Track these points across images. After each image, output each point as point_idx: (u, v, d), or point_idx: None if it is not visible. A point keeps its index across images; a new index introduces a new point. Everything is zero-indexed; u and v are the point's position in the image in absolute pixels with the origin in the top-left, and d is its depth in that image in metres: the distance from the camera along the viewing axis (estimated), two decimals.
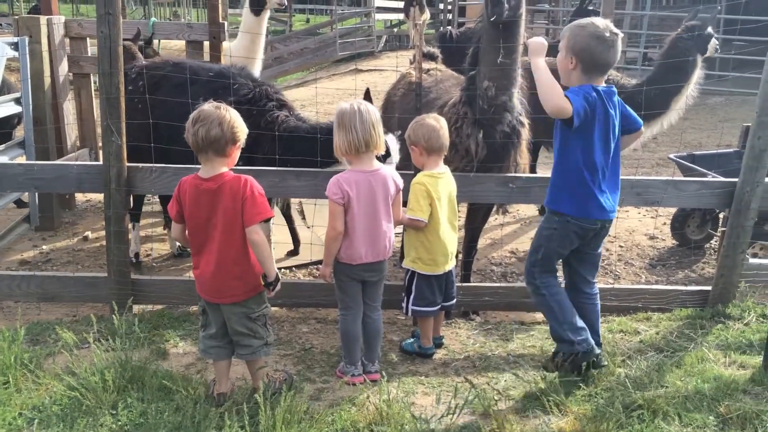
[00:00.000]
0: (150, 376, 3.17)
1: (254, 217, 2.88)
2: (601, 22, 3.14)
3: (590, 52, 3.08)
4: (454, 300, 3.79)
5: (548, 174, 3.38)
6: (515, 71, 3.83)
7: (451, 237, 3.62)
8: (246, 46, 6.12)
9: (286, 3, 6.80)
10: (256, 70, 6.24)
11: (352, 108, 3.19)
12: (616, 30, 3.14)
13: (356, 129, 3.15)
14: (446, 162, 3.71)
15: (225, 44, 6.44)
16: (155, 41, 6.29)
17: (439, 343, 3.80)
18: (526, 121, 4.01)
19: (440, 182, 3.54)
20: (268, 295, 3.07)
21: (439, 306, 3.68)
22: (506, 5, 3.52)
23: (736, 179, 3.99)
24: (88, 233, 5.75)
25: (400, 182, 3.41)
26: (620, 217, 5.91)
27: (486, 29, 3.80)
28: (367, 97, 3.66)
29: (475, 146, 3.90)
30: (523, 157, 4.09)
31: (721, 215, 5.42)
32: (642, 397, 3.02)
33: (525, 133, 4.01)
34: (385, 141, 3.37)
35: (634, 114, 3.33)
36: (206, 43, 6.15)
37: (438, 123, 3.56)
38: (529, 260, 3.37)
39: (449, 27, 12.45)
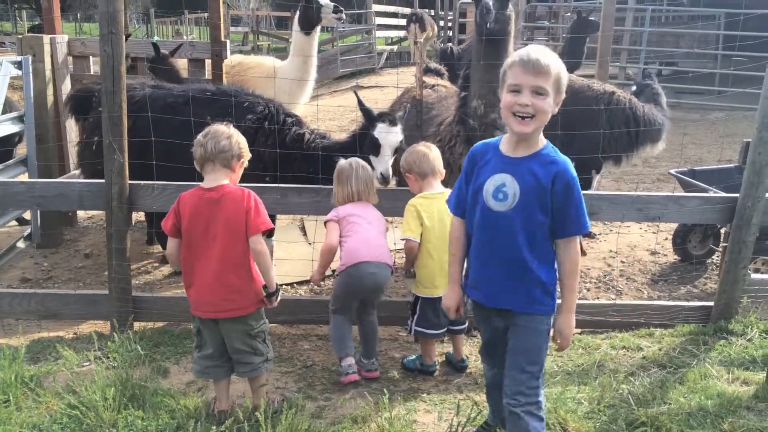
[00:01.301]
0: (151, 394, 3.16)
1: (258, 226, 2.94)
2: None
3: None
4: (464, 324, 3.72)
5: None
6: None
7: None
8: (298, 67, 6.12)
9: (344, 17, 6.69)
10: (307, 93, 6.26)
11: (350, 166, 3.64)
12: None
13: (351, 184, 3.60)
14: (445, 183, 3.72)
15: (271, 62, 6.41)
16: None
17: (461, 366, 3.72)
18: None
19: (434, 203, 3.54)
20: (269, 305, 3.07)
21: (445, 329, 3.63)
22: (494, 18, 3.56)
23: (737, 194, 3.99)
24: (90, 250, 5.75)
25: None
26: (621, 233, 5.92)
27: (475, 46, 3.84)
28: (358, 100, 4.04)
29: None
30: None
31: (722, 230, 5.41)
32: (645, 414, 3.00)
33: None
34: (374, 135, 3.84)
35: None
36: (208, 61, 6.19)
37: (428, 149, 3.68)
38: (531, 385, 2.49)
39: (449, 43, 12.53)
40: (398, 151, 3.92)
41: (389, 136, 3.87)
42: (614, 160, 5.55)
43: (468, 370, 3.70)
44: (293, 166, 4.28)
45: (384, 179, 3.87)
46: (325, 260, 3.55)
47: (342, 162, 3.68)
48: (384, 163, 3.90)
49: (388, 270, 3.54)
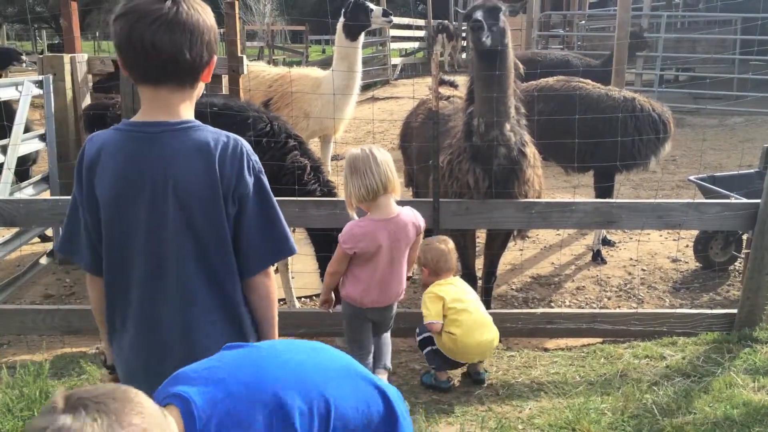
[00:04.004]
0: None
1: None
2: None
3: None
4: None
5: (567, 198, 3.38)
6: (506, 103, 3.84)
7: (480, 329, 3.54)
8: (342, 77, 5.85)
9: (393, 20, 6.39)
10: (352, 105, 6.12)
11: (364, 152, 3.09)
12: None
13: (372, 171, 3.03)
14: (447, 195, 3.85)
15: (316, 73, 6.30)
16: None
17: (478, 379, 3.69)
18: (530, 149, 4.01)
19: (449, 287, 3.58)
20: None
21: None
22: (486, 32, 3.55)
23: (758, 200, 3.95)
24: None
25: (422, 223, 3.32)
26: (642, 240, 5.87)
27: (474, 62, 3.84)
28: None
29: (474, 180, 3.92)
30: (532, 183, 4.08)
31: (744, 237, 5.35)
32: (670, 424, 2.97)
33: (530, 161, 4.01)
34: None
35: None
36: (224, 77, 6.24)
37: (446, 246, 3.63)
38: None
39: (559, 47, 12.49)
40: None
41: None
42: (644, 165, 5.55)
43: (489, 381, 3.68)
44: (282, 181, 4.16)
45: (385, 12, 3.86)
46: (330, 282, 3.28)
47: (353, 150, 3.14)
48: (377, 14, 3.86)
49: (395, 305, 3.41)
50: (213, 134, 1.78)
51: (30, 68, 10.91)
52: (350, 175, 3.09)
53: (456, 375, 3.72)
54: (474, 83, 3.91)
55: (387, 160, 3.09)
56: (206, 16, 1.77)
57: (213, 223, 1.78)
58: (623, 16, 6.51)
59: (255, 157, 1.84)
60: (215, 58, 1.81)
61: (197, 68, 1.78)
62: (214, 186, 1.74)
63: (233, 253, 1.82)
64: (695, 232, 5.58)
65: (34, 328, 4.12)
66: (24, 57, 8.14)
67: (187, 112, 1.80)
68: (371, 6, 5.98)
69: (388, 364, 3.51)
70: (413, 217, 3.26)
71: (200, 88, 1.86)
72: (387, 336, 3.53)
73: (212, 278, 1.82)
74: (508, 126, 3.86)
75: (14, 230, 5.33)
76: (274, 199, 1.87)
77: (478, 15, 3.55)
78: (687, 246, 5.87)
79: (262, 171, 1.84)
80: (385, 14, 6.05)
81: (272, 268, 1.96)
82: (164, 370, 1.56)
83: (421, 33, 21.25)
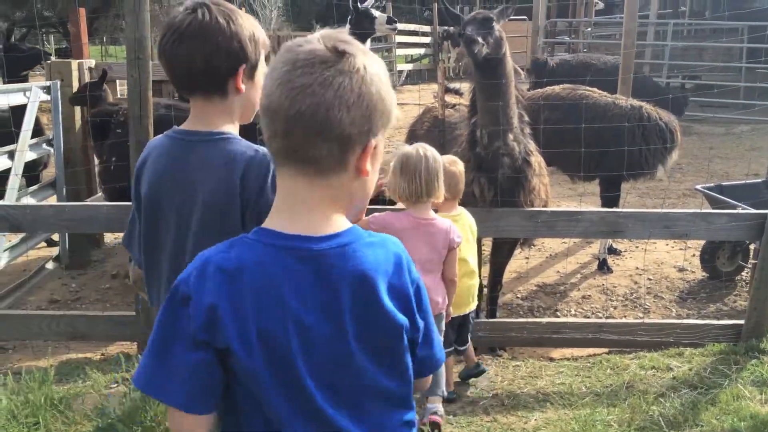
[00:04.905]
0: None
1: None
2: None
3: None
4: (468, 343, 3.69)
5: (573, 207, 3.37)
6: (508, 114, 3.82)
7: (468, 279, 3.52)
8: None
9: (398, 27, 6.36)
10: None
11: (418, 154, 2.97)
12: None
13: (420, 176, 2.94)
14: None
15: None
16: None
17: (479, 371, 3.67)
18: (534, 158, 4.00)
19: (460, 222, 3.50)
20: None
21: (452, 348, 3.56)
22: (481, 43, 3.56)
23: (766, 211, 3.94)
24: (116, 271, 5.82)
25: (457, 239, 3.14)
26: (648, 249, 5.84)
27: (473, 73, 3.84)
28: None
29: (479, 189, 3.91)
30: (538, 192, 4.07)
31: (752, 246, 5.32)
32: None
33: (535, 170, 4.00)
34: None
35: None
36: None
37: (457, 167, 3.44)
38: None
39: (547, 55, 12.26)
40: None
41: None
42: (651, 174, 5.55)
43: (494, 391, 3.67)
44: None
45: (389, 20, 3.90)
46: None
47: (407, 148, 3.03)
48: (381, 21, 3.90)
49: (441, 316, 3.28)
50: (243, 147, 1.76)
51: (37, 72, 10.97)
52: (399, 173, 3.00)
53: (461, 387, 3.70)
54: (475, 93, 3.91)
55: (437, 167, 3.00)
56: (230, 24, 1.72)
57: (223, 236, 1.77)
58: (630, 24, 6.49)
59: None
60: (243, 66, 1.75)
61: (216, 78, 1.74)
62: (233, 198, 1.72)
63: None
64: (702, 242, 5.56)
65: (39, 333, 4.13)
66: (52, 58, 8.16)
67: (223, 123, 1.79)
68: (375, 14, 5.98)
69: (444, 389, 3.28)
70: (447, 228, 3.12)
71: (239, 98, 1.80)
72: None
73: None
74: (511, 136, 3.86)
75: (21, 235, 5.34)
76: None
77: (470, 29, 3.58)
78: (694, 255, 5.85)
79: None
80: (390, 21, 6.04)
81: None
82: None
83: (427, 39, 21.28)
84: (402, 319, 1.24)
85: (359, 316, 1.20)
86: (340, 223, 1.24)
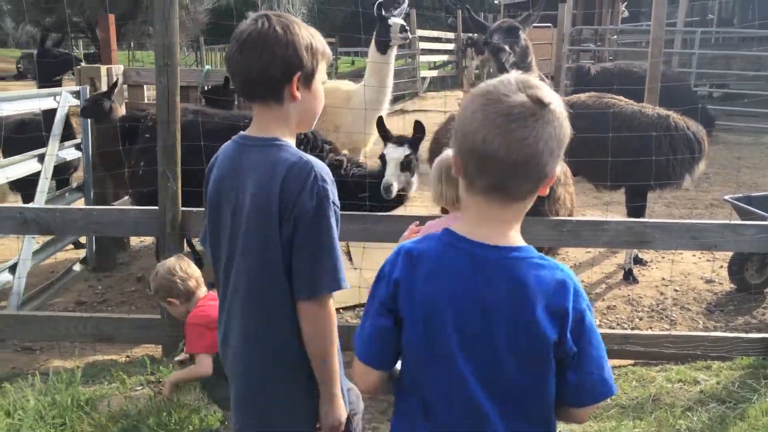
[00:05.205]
0: (200, 420, 3.19)
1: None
2: None
3: None
4: None
5: (599, 216, 3.33)
6: None
7: None
8: (374, 87, 5.98)
9: (410, 36, 6.55)
10: (384, 111, 6.18)
11: None
12: None
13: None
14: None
15: (347, 86, 6.36)
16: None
17: None
18: (559, 167, 3.96)
19: None
20: None
21: None
22: (508, 52, 3.56)
23: None
24: (142, 274, 5.89)
25: None
26: (675, 260, 5.77)
27: None
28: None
29: None
30: (563, 202, 4.04)
31: None
32: None
33: (560, 179, 3.96)
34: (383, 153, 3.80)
35: None
36: None
37: None
38: None
39: (588, 62, 12.09)
40: (411, 168, 4.06)
41: (393, 153, 4.02)
42: (677, 184, 5.49)
43: None
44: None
45: (385, 189, 3.95)
46: None
47: (446, 156, 3.00)
48: (389, 175, 3.99)
49: None
50: (289, 154, 1.80)
51: (67, 77, 11.14)
52: (444, 179, 2.98)
53: None
54: None
55: None
56: (287, 32, 1.76)
57: (262, 239, 1.79)
58: (657, 32, 6.42)
59: (326, 185, 1.79)
60: (298, 74, 1.79)
61: (271, 84, 1.79)
62: (272, 202, 1.76)
63: (284, 273, 1.81)
64: (730, 253, 5.48)
65: (66, 334, 4.18)
66: (82, 63, 8.30)
67: (278, 129, 1.85)
68: (390, 21, 5.99)
69: None
70: None
71: (295, 106, 1.83)
72: None
73: (259, 294, 1.85)
74: None
75: (48, 237, 5.42)
76: (335, 230, 1.84)
77: (497, 37, 3.58)
78: (721, 267, 5.76)
79: (328, 199, 1.79)
80: (402, 30, 6.06)
81: (329, 299, 1.89)
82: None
83: (451, 46, 21.28)
84: (550, 331, 1.39)
85: (510, 318, 1.40)
86: (516, 239, 1.46)
